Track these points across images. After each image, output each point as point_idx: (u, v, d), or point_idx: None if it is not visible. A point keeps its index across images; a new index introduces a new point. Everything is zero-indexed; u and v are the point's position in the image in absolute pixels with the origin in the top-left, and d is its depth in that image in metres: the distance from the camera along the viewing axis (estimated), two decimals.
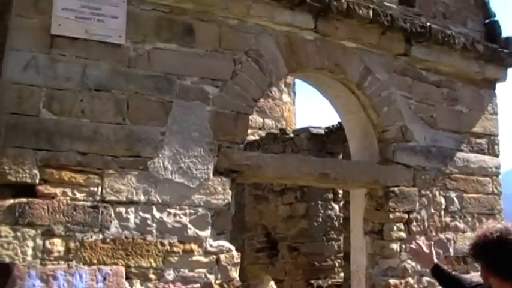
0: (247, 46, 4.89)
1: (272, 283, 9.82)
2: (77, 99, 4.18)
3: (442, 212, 5.93)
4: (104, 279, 4.10)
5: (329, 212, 8.24)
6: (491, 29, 6.62)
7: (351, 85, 5.51)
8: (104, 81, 4.29)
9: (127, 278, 4.17)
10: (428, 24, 5.86)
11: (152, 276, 4.25)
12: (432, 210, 5.83)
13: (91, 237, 4.08)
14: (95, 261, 4.08)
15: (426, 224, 5.76)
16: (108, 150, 4.21)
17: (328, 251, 8.15)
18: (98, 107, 4.24)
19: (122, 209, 4.21)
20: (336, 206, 8.30)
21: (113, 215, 4.18)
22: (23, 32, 4.13)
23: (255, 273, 9.66)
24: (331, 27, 5.29)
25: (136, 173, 4.28)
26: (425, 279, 5.65)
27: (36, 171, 4.00)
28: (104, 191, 4.17)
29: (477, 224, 5.96)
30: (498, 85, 6.65)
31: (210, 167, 4.55)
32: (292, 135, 8.73)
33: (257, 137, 10.35)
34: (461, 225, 6.08)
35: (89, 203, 4.12)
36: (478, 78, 6.39)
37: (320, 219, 8.15)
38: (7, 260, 3.85)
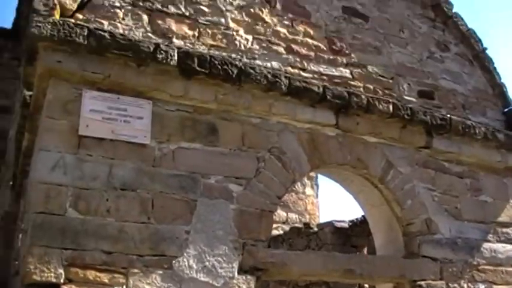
0: (270, 144, 4.97)
1: None
2: (103, 199, 4.24)
3: None
4: None
5: None
6: (511, 117, 6.68)
7: (373, 179, 5.53)
8: (130, 180, 4.36)
9: None
10: (448, 116, 5.93)
11: None
12: None
13: None
14: None
15: None
16: (133, 249, 4.22)
17: None
18: (123, 206, 4.29)
19: None
20: None
21: None
22: (51, 132, 4.24)
23: None
24: (352, 122, 5.38)
25: (161, 272, 4.26)
26: None
27: (61, 271, 4.01)
28: None
29: None
30: None
31: (235, 265, 4.52)
32: (316, 229, 8.70)
33: (281, 232, 10.31)
34: None
35: None
36: (501, 167, 6.38)
37: None
38: None
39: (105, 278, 4.12)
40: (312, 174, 11.79)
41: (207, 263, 4.42)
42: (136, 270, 4.19)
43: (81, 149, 4.28)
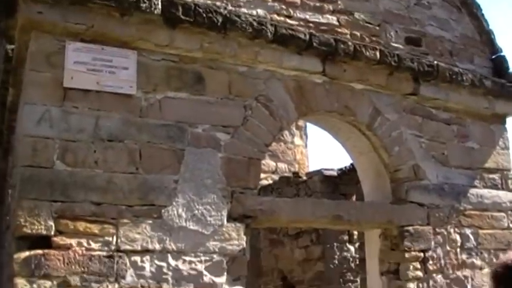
0: (257, 92, 4.95)
1: None
2: (90, 150, 4.24)
3: (458, 250, 5.87)
4: None
5: (345, 253, 8.19)
6: (499, 64, 6.67)
7: (361, 126, 5.55)
8: (117, 131, 4.35)
9: None
10: (436, 62, 5.91)
11: None
12: (448, 248, 5.78)
13: (107, 287, 4.08)
14: None
15: (442, 262, 5.71)
16: (122, 199, 4.24)
17: None
18: (111, 157, 4.29)
19: (137, 258, 4.22)
20: (351, 248, 8.26)
21: (128, 264, 4.18)
22: (36, 86, 4.20)
23: None
24: (339, 69, 5.35)
25: (150, 221, 4.30)
26: None
27: (51, 223, 4.03)
28: (119, 241, 4.18)
29: (494, 260, 5.89)
30: (508, 120, 6.67)
31: (224, 213, 4.57)
32: (305, 178, 8.75)
33: (270, 181, 10.37)
34: (478, 262, 6.01)
35: (104, 253, 4.13)
36: (488, 114, 6.40)
37: (336, 262, 8.10)
38: None
39: (95, 229, 4.15)
40: (301, 124, 11.83)
41: (196, 212, 4.46)
42: (126, 221, 4.22)
43: (67, 102, 4.25)
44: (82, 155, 4.21)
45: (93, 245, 4.12)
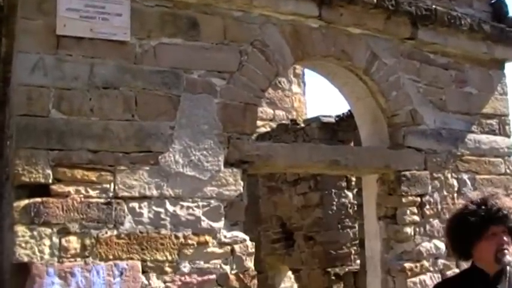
0: (253, 37, 4.89)
1: (289, 273, 9.86)
2: (86, 98, 4.23)
3: (455, 194, 5.90)
4: (121, 274, 4.15)
5: (343, 200, 8.25)
6: (498, 8, 6.57)
7: (358, 71, 5.50)
8: (111, 78, 4.33)
9: (143, 272, 4.22)
10: (434, 6, 5.82)
11: (168, 269, 4.30)
12: (445, 193, 5.81)
13: (106, 233, 4.13)
14: (111, 257, 4.13)
15: (439, 206, 5.75)
16: (118, 147, 4.25)
17: (344, 239, 8.16)
18: (107, 104, 4.28)
19: (135, 204, 4.25)
20: (349, 194, 8.31)
21: (126, 210, 4.22)
22: (28, 34, 4.17)
23: (272, 264, 9.70)
24: (335, 14, 5.27)
25: (147, 168, 4.32)
26: (440, 261, 5.66)
27: (49, 171, 4.05)
28: (116, 187, 4.21)
29: None
30: (507, 65, 6.61)
31: (221, 159, 4.58)
32: (303, 125, 8.75)
33: (268, 129, 10.38)
34: None
35: (102, 200, 4.17)
36: (486, 59, 6.34)
37: (334, 208, 8.17)
38: (25, 259, 3.91)
39: (92, 176, 4.18)
40: (299, 71, 11.77)
41: (193, 158, 4.47)
42: (123, 167, 4.24)
43: (60, 49, 4.22)
44: (77, 103, 4.20)
45: (91, 192, 4.15)
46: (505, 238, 2.74)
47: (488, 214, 2.76)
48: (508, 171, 6.37)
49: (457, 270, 5.71)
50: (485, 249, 2.77)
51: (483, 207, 2.78)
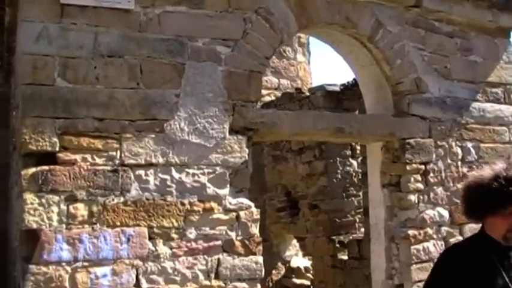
0: (257, 4, 4.87)
1: (294, 241, 9.94)
2: (91, 67, 4.24)
3: (459, 163, 5.92)
4: (128, 240, 4.21)
5: (348, 168, 8.28)
6: None
7: (362, 39, 5.48)
8: (116, 47, 4.33)
9: (150, 238, 4.28)
10: None
11: (174, 235, 4.35)
12: (449, 161, 5.83)
13: (113, 200, 4.19)
14: (118, 224, 4.19)
15: (443, 174, 5.77)
16: (124, 115, 4.28)
17: (348, 207, 8.21)
18: (112, 73, 4.30)
19: (142, 172, 4.30)
20: (354, 162, 8.33)
21: (132, 178, 4.26)
22: (32, 3, 4.18)
23: (277, 233, 9.78)
24: None
25: (153, 135, 4.35)
26: (444, 229, 5.71)
27: (55, 139, 4.09)
28: (122, 155, 4.25)
29: None
30: None
31: (226, 126, 4.60)
32: (308, 94, 8.74)
33: (273, 98, 10.38)
34: None
35: (108, 168, 4.22)
36: (492, 27, 6.29)
37: (339, 176, 8.20)
38: (34, 226, 3.98)
39: (98, 144, 4.21)
40: (303, 40, 11.72)
41: (198, 125, 4.49)
42: (129, 135, 4.27)
43: (65, 18, 4.22)
44: (83, 72, 4.22)
45: (98, 160, 4.20)
46: None
47: (510, 193, 2.75)
48: None
49: (460, 238, 5.76)
50: (498, 225, 2.82)
51: (507, 183, 2.75)
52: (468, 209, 2.95)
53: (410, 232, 5.47)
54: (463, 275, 2.87)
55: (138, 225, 4.25)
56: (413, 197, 5.53)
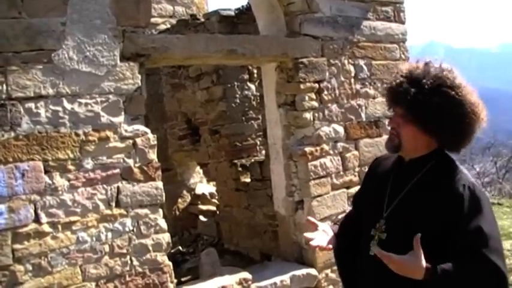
0: None
1: (198, 168, 10.01)
2: None
3: (352, 80, 6.10)
4: (23, 175, 4.09)
5: (246, 92, 8.31)
6: None
7: None
8: None
9: (46, 171, 4.18)
10: None
11: (71, 167, 4.28)
12: (342, 79, 5.99)
13: (2, 136, 4.01)
14: (11, 159, 4.05)
15: (337, 92, 5.94)
16: (7, 46, 4.05)
17: (249, 131, 8.29)
18: None
19: (31, 105, 4.13)
20: (252, 86, 8.37)
21: (22, 111, 4.10)
22: None
23: (181, 161, 9.80)
24: None
25: (41, 66, 4.17)
26: (339, 144, 5.91)
27: None
28: (9, 89, 4.05)
29: None
30: None
31: (116, 53, 4.48)
32: (202, 19, 8.61)
33: (168, 26, 10.18)
34: (372, 92, 6.29)
35: None
36: None
37: (238, 101, 8.23)
38: None
39: None
40: None
41: (87, 54, 4.36)
42: (14, 68, 4.07)
43: None
44: None
45: None
46: (397, 120, 2.51)
47: (391, 92, 2.54)
48: (402, 56, 6.60)
49: (356, 153, 6.00)
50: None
51: (403, 82, 2.48)
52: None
53: (307, 149, 5.64)
54: (367, 179, 2.97)
55: (33, 159, 4.13)
56: (308, 115, 5.67)
